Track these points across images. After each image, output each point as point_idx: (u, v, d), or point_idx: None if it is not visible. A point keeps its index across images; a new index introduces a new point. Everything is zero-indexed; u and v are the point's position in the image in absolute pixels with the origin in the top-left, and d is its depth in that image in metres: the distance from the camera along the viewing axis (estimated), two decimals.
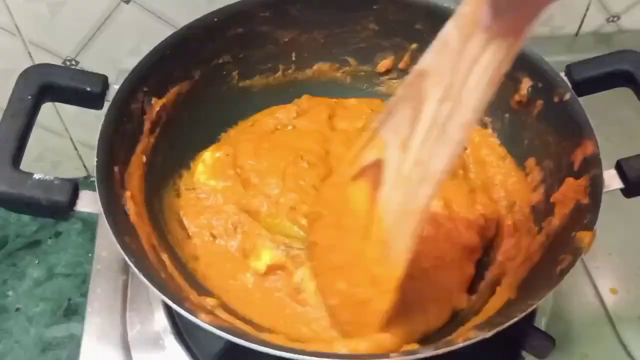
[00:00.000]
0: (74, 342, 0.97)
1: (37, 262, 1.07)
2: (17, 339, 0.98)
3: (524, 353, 0.79)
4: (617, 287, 0.88)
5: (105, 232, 0.64)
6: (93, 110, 0.75)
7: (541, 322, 0.83)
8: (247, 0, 0.87)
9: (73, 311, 1.02)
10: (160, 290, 0.59)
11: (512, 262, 0.74)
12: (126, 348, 0.81)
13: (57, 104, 1.08)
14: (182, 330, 0.81)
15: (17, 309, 1.02)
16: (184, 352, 0.79)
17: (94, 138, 0.70)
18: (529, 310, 0.59)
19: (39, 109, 0.72)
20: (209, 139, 0.90)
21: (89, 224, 1.11)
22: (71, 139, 1.16)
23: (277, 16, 0.89)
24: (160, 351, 0.80)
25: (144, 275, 0.59)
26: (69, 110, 1.08)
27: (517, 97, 0.83)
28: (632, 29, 1.20)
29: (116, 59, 1.03)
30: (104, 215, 0.63)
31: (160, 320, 0.82)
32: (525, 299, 0.62)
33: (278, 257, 0.76)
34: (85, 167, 1.21)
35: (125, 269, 0.87)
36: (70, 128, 1.14)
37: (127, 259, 0.60)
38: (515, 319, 0.58)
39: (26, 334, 0.99)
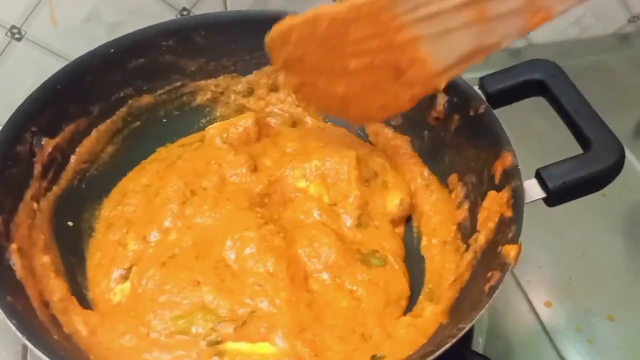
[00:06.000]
0: None
1: None
2: None
3: None
4: (550, 300, 0.86)
5: None
6: None
7: (479, 343, 0.81)
8: (147, 29, 0.83)
9: None
10: (46, 353, 0.52)
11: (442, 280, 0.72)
12: None
13: None
14: None
15: None
16: None
17: None
18: (460, 334, 0.55)
19: None
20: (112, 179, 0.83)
21: None
22: None
23: (181, 44, 0.85)
24: None
25: (27, 338, 0.53)
26: None
27: (434, 114, 0.82)
28: (542, 42, 1.23)
29: (11, 102, 0.95)
30: None
31: None
32: (456, 323, 0.58)
33: None
34: None
35: None
36: None
37: (8, 321, 0.53)
38: (447, 346, 0.54)
39: None
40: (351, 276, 0.71)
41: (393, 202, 0.80)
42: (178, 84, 0.88)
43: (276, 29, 0.70)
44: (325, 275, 0.71)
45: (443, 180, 0.81)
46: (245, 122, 0.85)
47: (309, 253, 0.72)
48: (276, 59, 0.73)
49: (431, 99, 0.80)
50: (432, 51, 0.63)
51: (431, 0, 0.59)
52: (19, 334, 0.53)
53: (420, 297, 0.72)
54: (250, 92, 0.92)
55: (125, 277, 0.72)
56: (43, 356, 0.52)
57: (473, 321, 0.57)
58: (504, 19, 0.58)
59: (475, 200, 0.74)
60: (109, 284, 0.72)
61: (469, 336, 0.79)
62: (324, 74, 0.71)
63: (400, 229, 0.81)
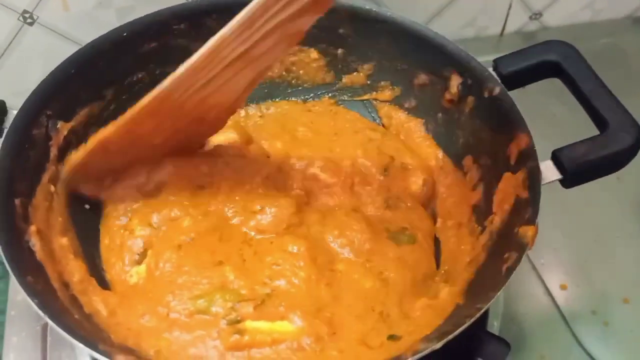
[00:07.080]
0: None
1: None
2: None
3: None
4: (566, 282, 0.86)
5: None
6: None
7: (494, 326, 0.81)
8: (160, 12, 0.82)
9: None
10: (67, 332, 0.53)
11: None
12: None
13: None
14: None
15: None
16: None
17: None
18: (478, 314, 0.55)
19: None
20: None
21: None
22: None
23: (193, 28, 0.84)
24: None
25: (49, 317, 0.53)
26: None
27: (448, 96, 0.81)
28: (555, 25, 1.22)
29: (25, 88, 0.95)
30: None
31: None
32: (473, 303, 0.58)
33: None
34: None
35: None
36: None
37: (29, 299, 0.54)
38: (465, 326, 0.54)
39: None
40: (381, 256, 0.71)
41: (416, 183, 0.80)
42: None
43: (70, 170, 0.72)
44: (354, 258, 0.71)
45: (458, 162, 0.81)
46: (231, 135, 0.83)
47: (340, 241, 0.72)
48: (86, 190, 0.75)
49: (444, 81, 0.80)
50: (221, 97, 0.70)
51: (201, 77, 0.65)
52: (40, 312, 0.53)
53: (436, 278, 0.72)
54: None
55: (139, 261, 0.72)
56: (64, 335, 0.53)
57: (491, 301, 0.57)
58: (270, 52, 0.66)
59: (490, 182, 0.74)
60: (124, 267, 0.72)
61: (484, 319, 0.79)
62: (134, 159, 0.74)
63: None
